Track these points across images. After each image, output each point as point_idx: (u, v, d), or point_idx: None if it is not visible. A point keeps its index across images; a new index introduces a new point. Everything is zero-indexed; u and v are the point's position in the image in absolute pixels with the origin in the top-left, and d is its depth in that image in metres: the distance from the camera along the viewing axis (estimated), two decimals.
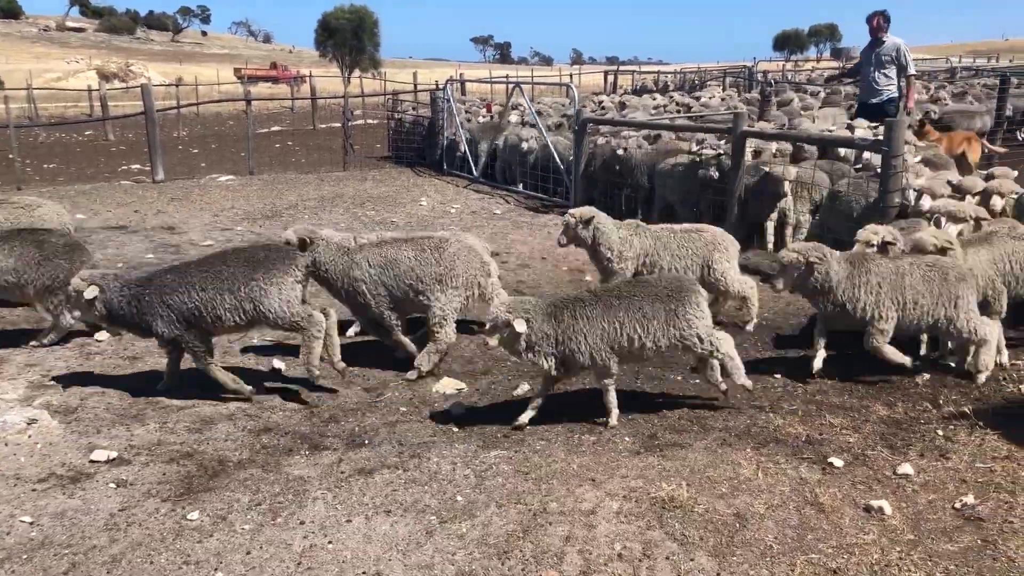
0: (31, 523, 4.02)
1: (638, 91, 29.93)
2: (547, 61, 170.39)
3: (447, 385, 5.78)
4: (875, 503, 4.12)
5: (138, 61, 76.41)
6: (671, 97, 19.48)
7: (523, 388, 5.72)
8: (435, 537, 3.91)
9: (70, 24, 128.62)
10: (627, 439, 4.94)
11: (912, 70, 11.74)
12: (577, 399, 5.57)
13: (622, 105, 17.87)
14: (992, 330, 5.60)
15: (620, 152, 10.91)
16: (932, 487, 4.33)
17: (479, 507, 4.18)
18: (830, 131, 10.55)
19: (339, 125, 24.17)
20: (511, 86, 17.31)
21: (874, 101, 11.71)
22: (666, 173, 10.11)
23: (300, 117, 34.10)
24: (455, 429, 5.13)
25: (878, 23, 11.57)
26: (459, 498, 4.27)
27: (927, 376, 5.81)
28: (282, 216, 11.90)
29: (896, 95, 11.69)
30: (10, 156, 16.63)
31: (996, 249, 5.93)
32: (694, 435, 4.99)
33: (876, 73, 11.64)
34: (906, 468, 4.49)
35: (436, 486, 4.40)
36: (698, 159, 9.75)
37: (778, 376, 5.92)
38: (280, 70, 73.86)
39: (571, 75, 45.59)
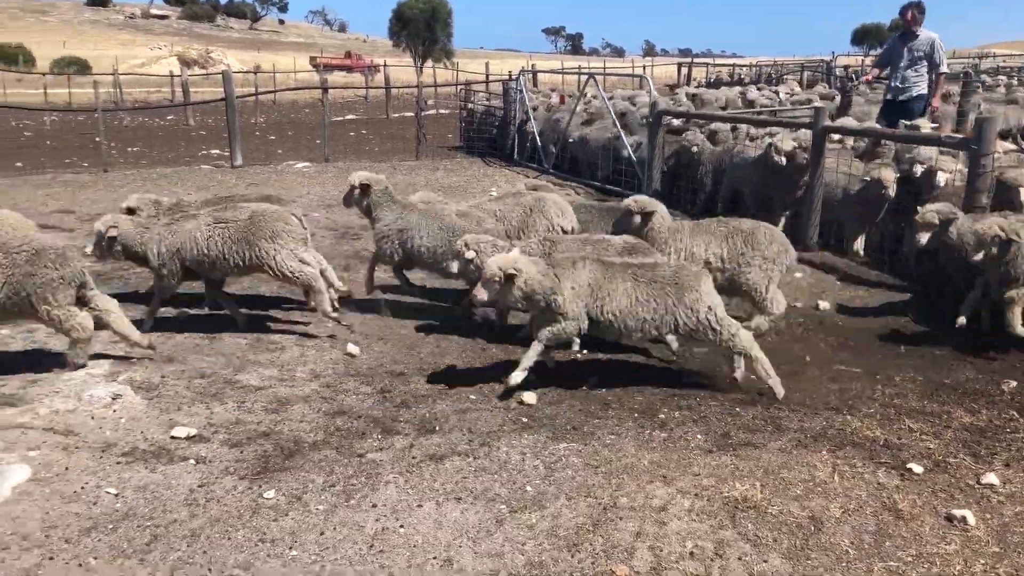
0: (116, 495, 4.16)
1: (712, 84, 29.51)
2: (619, 52, 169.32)
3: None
4: (957, 512, 4.00)
5: (217, 48, 78.31)
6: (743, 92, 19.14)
7: (593, 381, 5.69)
8: (505, 526, 3.93)
9: (154, 12, 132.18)
10: (699, 437, 4.88)
11: (944, 68, 11.21)
12: (646, 397, 5.53)
13: (695, 98, 17.63)
14: None
15: (694, 149, 10.75)
16: (1019, 499, 4.19)
17: (549, 498, 4.18)
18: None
19: (411, 114, 24.39)
20: (584, 77, 17.22)
21: (901, 98, 11.24)
22: (739, 166, 9.95)
23: (374, 106, 34.50)
24: (524, 419, 5.13)
25: (913, 16, 10.99)
26: (528, 488, 4.28)
27: (1013, 384, 5.62)
28: None
29: (925, 92, 11.20)
30: (97, 139, 17.20)
31: None
32: (768, 435, 4.91)
33: (907, 68, 11.17)
34: (991, 478, 4.35)
35: (506, 475, 4.42)
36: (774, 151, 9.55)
37: (856, 376, 5.78)
38: (354, 59, 74.86)
39: (644, 67, 45.16)
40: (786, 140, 9.08)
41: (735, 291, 6.45)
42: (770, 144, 9.13)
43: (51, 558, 3.63)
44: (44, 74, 41.61)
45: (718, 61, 57.45)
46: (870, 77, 13.91)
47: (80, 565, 3.58)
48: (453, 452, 4.67)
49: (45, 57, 57.85)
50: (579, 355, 6.28)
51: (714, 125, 11.64)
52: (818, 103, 12.86)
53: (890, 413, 5.22)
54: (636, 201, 6.73)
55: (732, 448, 4.74)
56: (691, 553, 3.70)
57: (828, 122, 9.07)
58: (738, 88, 20.28)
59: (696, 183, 10.88)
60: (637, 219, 6.66)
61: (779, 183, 9.26)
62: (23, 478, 4.26)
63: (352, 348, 6.27)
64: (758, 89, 18.29)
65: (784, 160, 8.94)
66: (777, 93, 17.28)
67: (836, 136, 9.60)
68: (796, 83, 24.74)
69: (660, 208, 6.72)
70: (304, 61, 71.80)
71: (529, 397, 5.37)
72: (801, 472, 4.44)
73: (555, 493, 4.23)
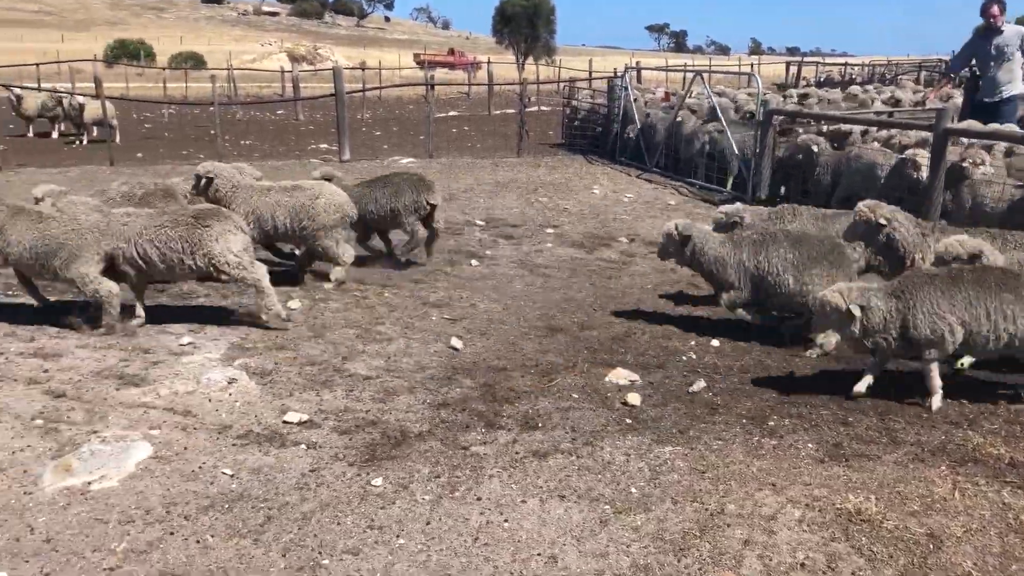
0: (232, 475, 4.30)
1: (822, 84, 28.66)
2: (723, 50, 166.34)
3: (620, 376, 5.74)
4: None
5: (325, 45, 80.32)
6: (855, 93, 18.51)
7: (699, 384, 5.60)
8: (609, 527, 3.90)
9: (265, 9, 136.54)
10: (810, 446, 4.75)
11: None
12: (754, 402, 5.41)
13: (804, 97, 17.16)
14: None
15: (814, 148, 10.38)
16: None
17: (654, 501, 4.13)
18: None
19: (513, 111, 24.48)
20: (690, 75, 16.98)
21: (993, 100, 10.53)
22: (861, 172, 9.53)
23: (476, 103, 34.81)
24: (628, 420, 5.09)
25: (996, 10, 10.31)
26: (633, 490, 4.24)
27: None
28: (459, 198, 12.18)
29: (1018, 92, 10.49)
30: (212, 132, 17.87)
31: None
32: (883, 447, 4.74)
33: (997, 68, 10.48)
34: None
35: (609, 476, 4.39)
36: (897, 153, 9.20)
37: (977, 387, 5.53)
38: (457, 56, 75.66)
39: (751, 65, 44.26)
40: (921, 155, 8.68)
41: None
42: (906, 159, 8.77)
43: (171, 533, 3.78)
44: (163, 69, 43.44)
45: (828, 60, 55.76)
46: (941, 93, 13.15)
47: (198, 542, 3.72)
48: (556, 450, 4.66)
49: (164, 52, 60.41)
50: (686, 357, 6.19)
51: (831, 126, 11.29)
52: (937, 104, 12.32)
53: (1015, 430, 4.97)
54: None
55: (845, 459, 4.59)
56: (802, 564, 3.60)
57: (951, 124, 8.67)
58: (858, 88, 19.67)
59: (813, 183, 10.51)
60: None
61: (908, 194, 8.83)
62: (145, 455, 4.46)
63: (456, 342, 6.33)
64: (877, 91, 17.68)
65: (925, 176, 8.53)
66: (895, 95, 16.66)
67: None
68: (913, 83, 23.80)
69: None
70: (408, 58, 72.96)
71: (633, 398, 5.32)
72: (919, 487, 4.26)
73: (660, 496, 4.18)
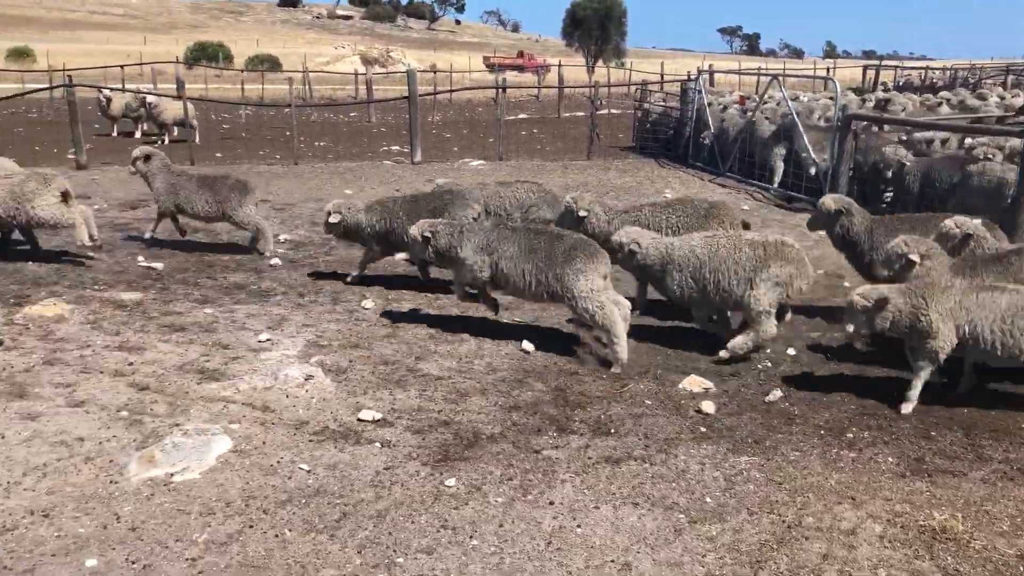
0: (308, 471, 4.37)
1: (902, 88, 27.92)
2: (797, 54, 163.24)
3: (694, 383, 5.67)
4: None
5: (397, 47, 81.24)
6: (942, 97, 17.99)
7: (775, 394, 5.50)
8: (684, 536, 3.86)
9: (339, 12, 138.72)
10: (890, 460, 4.62)
11: None
12: (832, 413, 5.29)
13: (884, 103, 16.74)
14: None
15: (907, 163, 9.99)
16: None
17: (729, 511, 4.07)
18: None
19: (582, 114, 24.41)
20: (764, 79, 16.70)
21: None
22: (981, 192, 8.93)
23: (545, 105, 34.81)
24: (702, 429, 5.02)
25: None
26: (708, 500, 4.18)
27: None
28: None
29: None
30: (287, 133, 18.21)
31: None
32: (968, 464, 4.58)
33: None
34: None
35: (684, 484, 4.34)
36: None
37: None
38: (526, 59, 75.78)
39: (827, 69, 43.34)
40: None
41: None
42: None
43: (251, 526, 3.86)
44: (241, 71, 44.47)
45: (907, 64, 54.33)
46: None
47: (276, 535, 3.79)
48: (629, 456, 4.62)
49: (240, 55, 61.80)
50: (761, 366, 6.09)
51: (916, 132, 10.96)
52: None
53: None
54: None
55: (927, 474, 4.45)
56: None
57: None
58: (946, 93, 19.12)
59: (901, 192, 10.11)
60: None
61: None
62: (225, 448, 4.56)
63: (527, 345, 6.33)
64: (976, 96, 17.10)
65: None
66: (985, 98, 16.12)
67: None
68: (1000, 87, 23.03)
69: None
70: (478, 61, 73.34)
71: (708, 406, 5.25)
72: (1008, 507, 4.12)
73: (736, 507, 4.12)
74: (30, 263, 8.26)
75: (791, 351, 6.38)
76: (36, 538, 3.72)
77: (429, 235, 6.43)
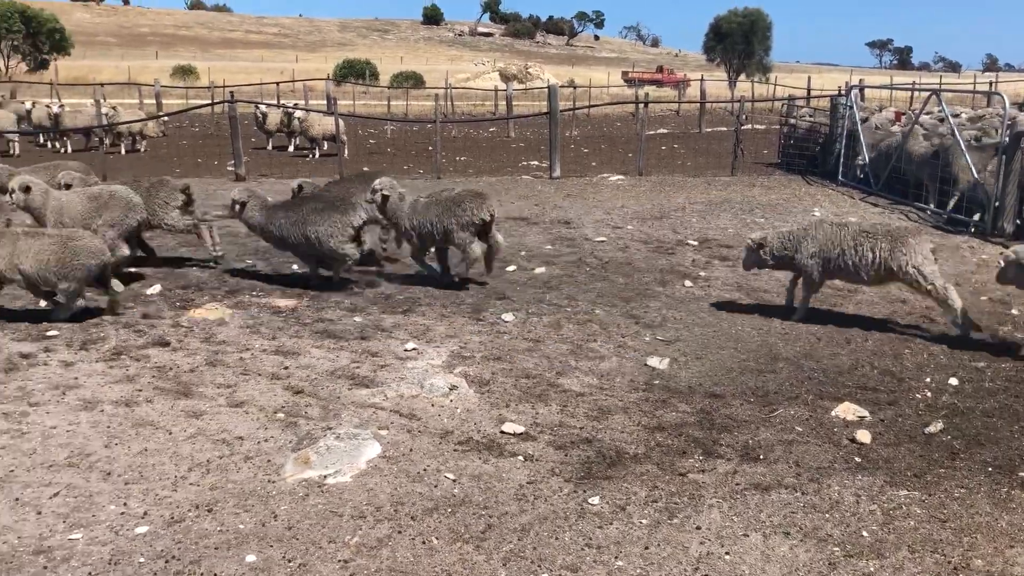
0: (454, 480, 4.44)
1: None
2: (953, 67, 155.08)
3: (848, 411, 5.43)
4: None
5: (535, 63, 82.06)
6: None
7: (936, 425, 5.19)
8: (839, 570, 3.69)
9: (481, 29, 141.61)
10: None
11: None
12: (1001, 450, 4.95)
13: None
14: None
15: None
16: None
17: (888, 547, 3.87)
18: None
19: (725, 130, 23.94)
20: (926, 93, 15.93)
21: None
22: None
23: (685, 120, 34.37)
24: (856, 459, 4.80)
25: None
26: (864, 534, 3.99)
27: None
28: (670, 217, 12.04)
29: None
30: (430, 148, 18.66)
31: None
32: None
33: None
34: None
35: (838, 516, 4.15)
36: None
37: None
38: (666, 73, 75.18)
39: (990, 83, 41.02)
40: None
41: None
42: None
43: (399, 532, 3.94)
44: (387, 87, 46.01)
45: None
46: None
47: (424, 543, 3.86)
48: (779, 484, 4.47)
49: (386, 71, 63.98)
50: (921, 395, 5.77)
51: None
52: None
53: None
54: None
55: None
56: None
57: None
58: None
59: None
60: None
61: None
62: (375, 454, 4.69)
63: (668, 364, 6.23)
64: None
65: None
66: None
67: None
68: None
69: None
70: (616, 75, 73.27)
71: (863, 436, 5.02)
72: None
73: (895, 543, 3.91)
74: (194, 269, 8.77)
75: (953, 381, 6.02)
76: (201, 531, 3.92)
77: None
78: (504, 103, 31.89)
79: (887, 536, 3.97)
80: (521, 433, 5.02)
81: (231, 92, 19.61)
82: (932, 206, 12.54)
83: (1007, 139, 10.54)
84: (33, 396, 5.38)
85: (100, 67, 59.31)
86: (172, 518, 4.03)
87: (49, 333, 6.57)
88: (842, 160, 15.68)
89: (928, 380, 6.03)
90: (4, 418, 5.05)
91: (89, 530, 3.91)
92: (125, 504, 4.14)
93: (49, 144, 22.12)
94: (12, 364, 5.92)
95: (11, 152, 19.89)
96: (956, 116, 14.54)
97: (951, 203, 11.87)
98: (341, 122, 18.56)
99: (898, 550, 3.85)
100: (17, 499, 4.16)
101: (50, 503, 4.14)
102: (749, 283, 8.63)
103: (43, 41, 56.28)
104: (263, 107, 22.18)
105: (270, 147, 22.27)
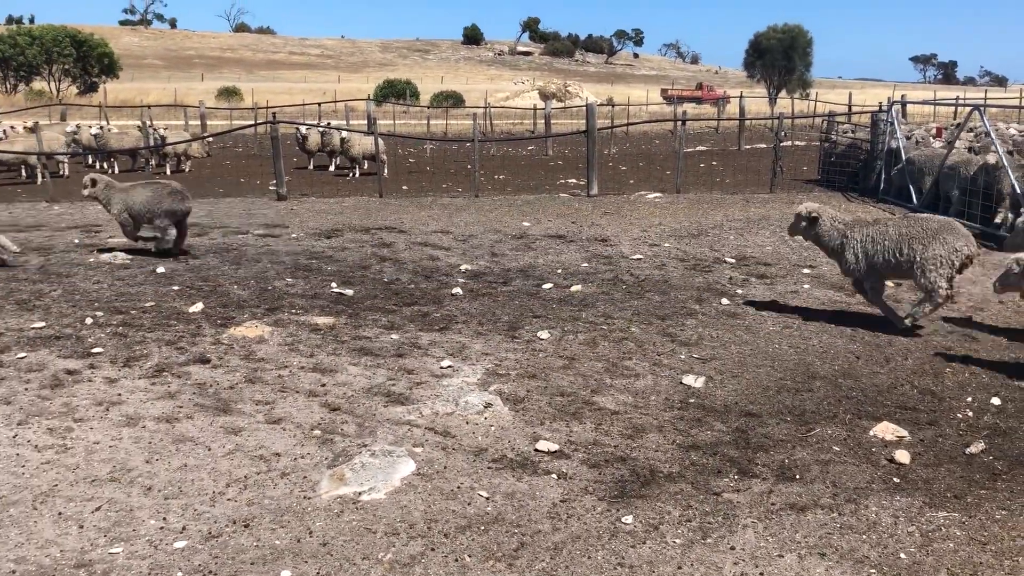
0: (487, 498, 4.46)
1: None
2: (1000, 81, 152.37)
3: (886, 431, 5.36)
4: None
5: (574, 82, 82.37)
6: None
7: (978, 446, 5.11)
8: None
9: (520, 48, 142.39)
10: None
11: None
12: None
13: None
14: None
15: None
16: None
17: (926, 570, 3.81)
18: None
19: (764, 146, 23.78)
20: (964, 109, 15.70)
21: None
22: None
23: (724, 138, 34.23)
24: (895, 479, 4.73)
25: None
26: (902, 555, 3.93)
27: None
28: (707, 235, 11.99)
29: None
30: (468, 167, 18.79)
31: None
32: None
33: None
34: None
35: (875, 537, 4.10)
36: None
37: None
38: (705, 90, 74.95)
39: None
40: None
41: None
42: None
43: (432, 549, 3.97)
44: (426, 107, 46.45)
45: None
46: None
47: (456, 560, 3.88)
48: (815, 504, 4.42)
49: (426, 91, 64.62)
50: (962, 415, 5.68)
51: None
52: None
53: None
54: None
55: None
56: None
57: None
58: None
59: None
60: None
61: None
62: (409, 471, 4.73)
63: (705, 382, 6.20)
64: None
65: None
66: None
67: None
68: None
69: None
70: (656, 93, 73.22)
71: (902, 456, 4.95)
72: None
73: (934, 565, 3.85)
74: (235, 287, 8.92)
75: (996, 400, 5.92)
76: (237, 546, 3.99)
77: None
78: (543, 122, 31.99)
79: (925, 558, 3.91)
80: (555, 451, 5.02)
81: (273, 113, 19.92)
82: (976, 224, 12.32)
83: None
84: (77, 412, 5.52)
85: (147, 89, 60.65)
86: (210, 533, 4.10)
87: (94, 350, 6.73)
88: (883, 177, 15.49)
89: (969, 399, 5.93)
90: (49, 433, 5.19)
91: (129, 544, 3.99)
92: (164, 519, 4.22)
93: (97, 165, 22.65)
94: (58, 380, 6.07)
95: (60, 173, 20.41)
96: (997, 131, 14.27)
97: (998, 218, 11.67)
98: (381, 141, 18.77)
99: (937, 573, 3.79)
100: (60, 513, 4.27)
101: (92, 517, 4.23)
102: (786, 301, 8.56)
103: (92, 64, 57.78)
104: (303, 128, 22.51)
105: (311, 167, 22.58)
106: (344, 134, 20.78)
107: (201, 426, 5.34)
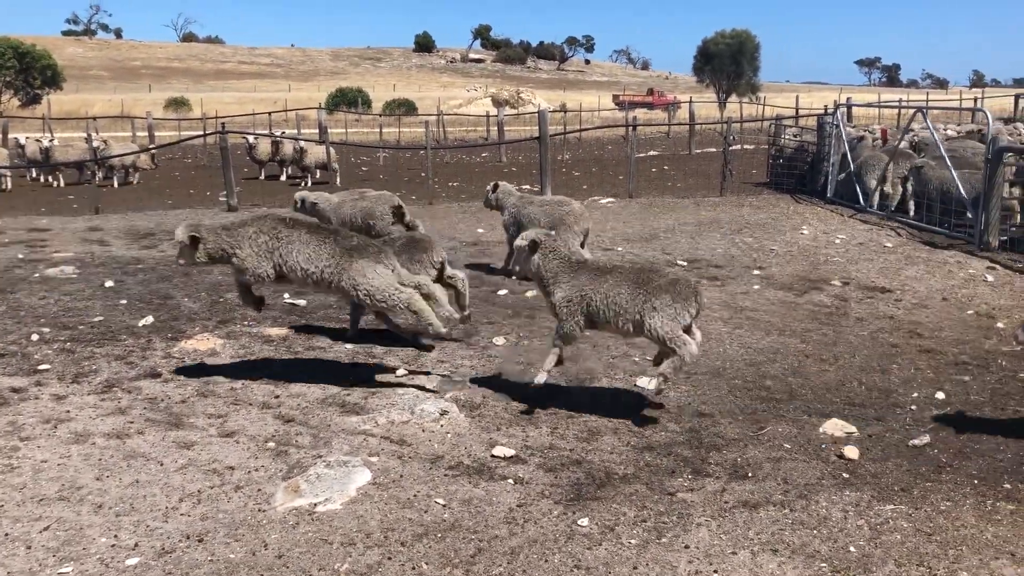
0: (444, 505, 4.46)
1: None
2: (941, 84, 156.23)
3: (835, 427, 5.47)
4: None
5: (527, 88, 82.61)
6: None
7: (923, 439, 5.24)
8: None
9: (472, 56, 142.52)
10: None
11: None
12: (987, 461, 4.99)
13: None
14: None
15: None
16: None
17: (875, 562, 3.89)
18: None
19: (714, 150, 24.10)
20: (907, 111, 16.08)
21: None
22: None
23: (675, 142, 34.61)
24: (844, 475, 4.83)
25: None
26: (852, 549, 4.02)
27: None
28: (660, 238, 12.12)
29: None
30: (422, 174, 18.76)
31: None
32: None
33: None
34: None
35: (825, 532, 4.18)
36: None
37: None
38: (656, 96, 75.70)
39: (975, 99, 41.38)
40: None
41: None
42: None
43: (389, 558, 3.96)
44: (379, 115, 46.26)
45: None
46: None
47: (414, 568, 3.87)
48: (768, 501, 4.50)
49: (379, 99, 64.35)
50: (908, 410, 5.82)
51: None
52: None
53: None
54: None
55: None
56: None
57: None
58: None
59: None
60: None
61: None
62: (365, 481, 4.71)
63: (657, 383, 6.25)
64: None
65: None
66: None
67: None
68: None
69: None
70: (608, 99, 73.81)
71: (850, 451, 5.05)
72: None
73: (882, 557, 3.93)
74: (186, 299, 8.80)
75: (940, 395, 6.07)
76: (191, 561, 3.94)
77: None
78: (496, 128, 32.07)
79: (874, 551, 4.00)
80: (511, 456, 5.04)
81: (223, 123, 19.69)
82: (920, 222, 12.64)
83: (990, 155, 10.64)
84: (24, 431, 5.40)
85: (92, 100, 59.63)
86: (163, 549, 4.04)
87: (41, 367, 6.59)
88: (830, 178, 15.80)
89: (915, 395, 6.08)
90: None
91: (79, 563, 3.92)
92: (116, 536, 4.15)
93: (41, 178, 22.21)
94: (2, 399, 5.94)
95: (2, 187, 19.96)
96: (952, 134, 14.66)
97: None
98: (333, 150, 18.67)
99: (885, 564, 3.88)
100: (7, 534, 4.17)
101: (40, 537, 4.15)
102: (737, 302, 8.69)
103: (35, 76, 56.62)
104: (250, 137, 22.30)
105: (262, 176, 22.38)
106: (301, 143, 20.64)
107: (153, 441, 5.26)
